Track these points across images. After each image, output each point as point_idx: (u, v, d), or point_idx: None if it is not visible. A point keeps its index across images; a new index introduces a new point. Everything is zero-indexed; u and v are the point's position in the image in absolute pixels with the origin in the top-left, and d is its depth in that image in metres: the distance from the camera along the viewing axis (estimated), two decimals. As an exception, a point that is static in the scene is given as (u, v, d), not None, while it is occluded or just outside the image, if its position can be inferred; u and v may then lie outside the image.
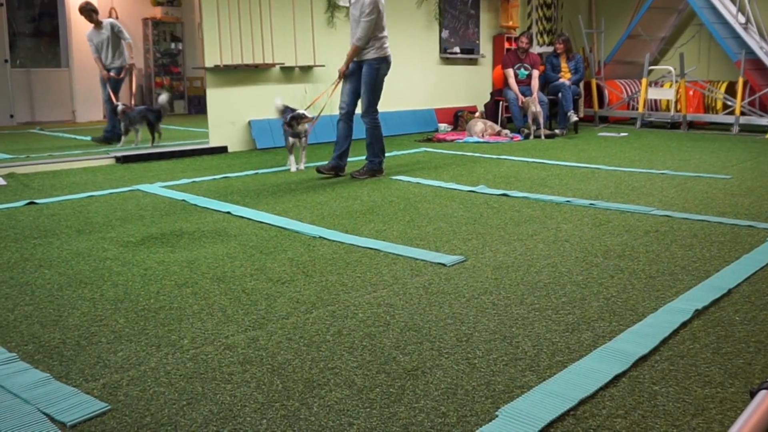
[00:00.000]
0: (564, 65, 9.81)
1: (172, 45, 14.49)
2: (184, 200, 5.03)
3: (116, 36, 8.63)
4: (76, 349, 2.39)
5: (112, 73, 8.64)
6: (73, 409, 1.96)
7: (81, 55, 12.86)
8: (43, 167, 6.75)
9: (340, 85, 6.07)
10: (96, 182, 5.94)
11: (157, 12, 14.14)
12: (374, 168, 6.07)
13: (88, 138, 9.43)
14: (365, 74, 5.86)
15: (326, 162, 6.22)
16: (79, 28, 12.81)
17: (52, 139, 9.46)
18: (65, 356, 2.34)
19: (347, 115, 5.98)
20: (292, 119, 6.17)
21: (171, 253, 3.62)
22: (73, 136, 9.88)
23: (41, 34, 12.90)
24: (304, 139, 6.38)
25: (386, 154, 6.94)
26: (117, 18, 13.69)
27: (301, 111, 6.29)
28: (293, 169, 6.46)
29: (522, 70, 9.40)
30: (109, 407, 1.98)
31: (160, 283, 3.12)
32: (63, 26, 12.95)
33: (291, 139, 6.32)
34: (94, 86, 13.14)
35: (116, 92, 8.64)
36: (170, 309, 2.79)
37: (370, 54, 5.86)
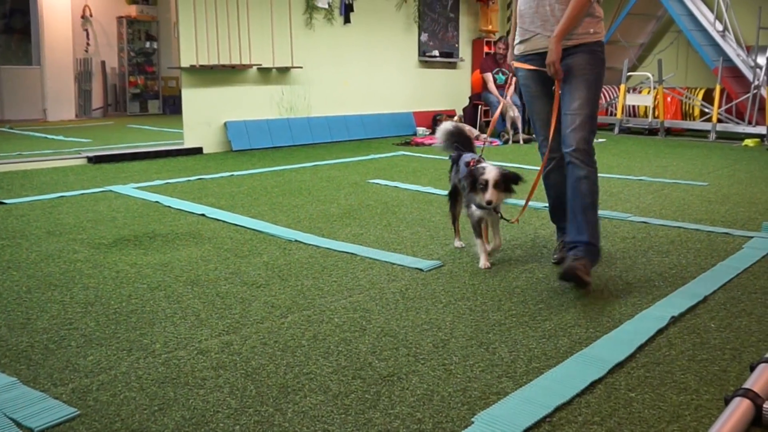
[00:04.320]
0: (542, 70, 9.83)
1: (147, 44, 14.35)
2: (157, 202, 4.96)
3: None
4: (45, 353, 2.34)
5: None
6: (41, 414, 1.91)
7: (53, 54, 12.69)
8: (13, 167, 6.63)
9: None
10: (67, 182, 5.85)
11: (132, 10, 14.00)
12: (595, 252, 3.09)
13: (59, 137, 9.32)
14: (582, 68, 3.08)
15: (564, 261, 3.13)
16: (51, 26, 12.66)
17: (21, 138, 9.31)
18: (33, 360, 2.28)
19: (561, 161, 3.25)
20: (479, 175, 3.20)
21: (144, 256, 3.57)
22: (43, 135, 9.73)
23: (12, 31, 12.72)
24: (497, 211, 3.32)
25: (365, 157, 6.83)
26: (91, 16, 13.57)
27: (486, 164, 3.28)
28: (485, 263, 3.35)
29: (500, 74, 9.43)
30: (78, 412, 1.93)
31: (132, 286, 3.07)
32: (35, 24, 12.77)
33: (477, 212, 3.33)
34: (66, 85, 13.00)
35: None
36: (142, 312, 2.74)
37: (588, 29, 3.10)
